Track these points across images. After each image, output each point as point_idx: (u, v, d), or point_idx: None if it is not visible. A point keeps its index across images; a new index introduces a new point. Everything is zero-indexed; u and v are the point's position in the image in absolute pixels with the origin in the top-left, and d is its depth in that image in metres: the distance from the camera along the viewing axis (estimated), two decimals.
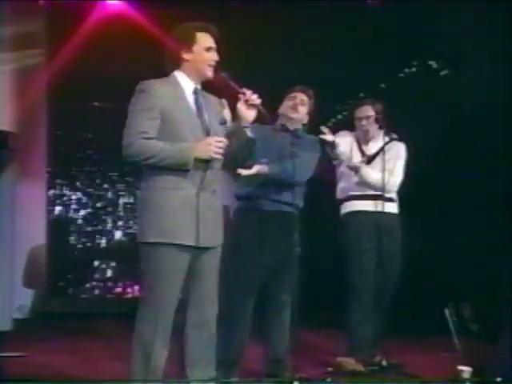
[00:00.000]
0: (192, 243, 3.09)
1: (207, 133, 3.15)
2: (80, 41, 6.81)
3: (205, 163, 3.11)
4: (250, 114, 3.21)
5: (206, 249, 3.16)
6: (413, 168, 4.64)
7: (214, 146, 3.07)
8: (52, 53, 6.86)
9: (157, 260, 3.09)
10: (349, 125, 4.77)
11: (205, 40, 3.20)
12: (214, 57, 3.21)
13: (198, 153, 3.07)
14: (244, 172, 3.76)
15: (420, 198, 5.84)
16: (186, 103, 3.18)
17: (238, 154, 3.29)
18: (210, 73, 3.21)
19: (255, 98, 3.17)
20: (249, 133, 3.22)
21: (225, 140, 3.12)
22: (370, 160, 4.54)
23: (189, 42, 3.20)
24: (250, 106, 3.19)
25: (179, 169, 3.07)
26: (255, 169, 3.81)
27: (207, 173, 3.13)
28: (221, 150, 3.09)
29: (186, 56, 3.21)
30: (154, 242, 3.08)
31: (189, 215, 3.09)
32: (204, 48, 3.20)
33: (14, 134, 5.51)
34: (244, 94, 3.18)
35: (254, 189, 3.95)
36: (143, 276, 3.15)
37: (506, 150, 5.56)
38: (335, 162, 4.56)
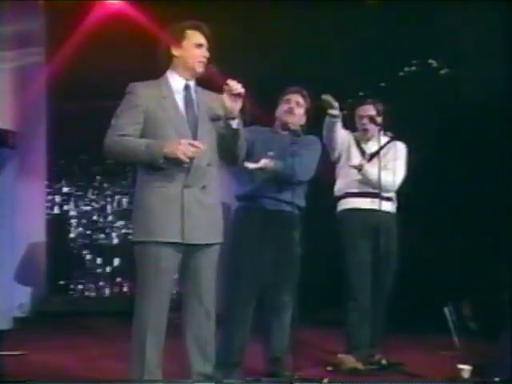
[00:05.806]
0: (178, 240, 3.09)
1: (195, 129, 3.14)
2: (80, 40, 6.82)
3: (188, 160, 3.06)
4: (234, 105, 3.10)
5: (198, 246, 3.15)
6: (413, 167, 4.64)
7: (183, 147, 3.01)
8: (52, 52, 6.87)
9: (146, 258, 3.12)
10: (348, 124, 4.77)
11: (195, 37, 3.20)
12: (203, 53, 3.19)
13: (166, 149, 3.03)
14: (251, 165, 3.74)
15: (420, 197, 5.84)
16: (171, 101, 3.18)
17: (229, 148, 3.23)
18: (200, 68, 3.19)
19: (239, 88, 3.08)
20: (234, 124, 3.14)
21: (199, 145, 3.04)
22: (369, 159, 4.55)
23: (178, 38, 3.20)
24: (234, 96, 3.09)
25: (158, 166, 3.05)
26: (262, 162, 3.78)
27: (192, 169, 3.10)
28: (189, 154, 3.01)
29: (175, 52, 3.22)
30: (142, 240, 3.11)
31: (173, 212, 3.09)
32: (193, 44, 3.19)
33: (13, 133, 5.50)
34: (227, 84, 3.09)
35: (255, 188, 3.92)
36: (137, 274, 3.18)
37: (506, 149, 5.56)
38: (333, 119, 4.33)
